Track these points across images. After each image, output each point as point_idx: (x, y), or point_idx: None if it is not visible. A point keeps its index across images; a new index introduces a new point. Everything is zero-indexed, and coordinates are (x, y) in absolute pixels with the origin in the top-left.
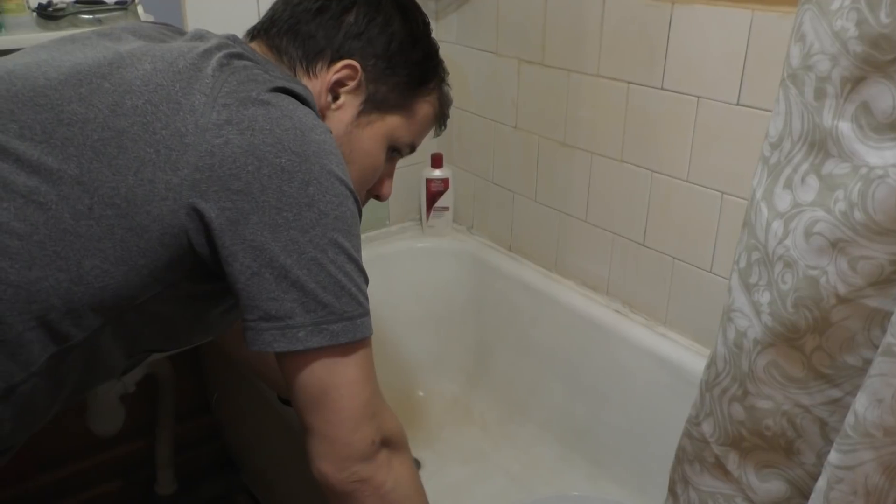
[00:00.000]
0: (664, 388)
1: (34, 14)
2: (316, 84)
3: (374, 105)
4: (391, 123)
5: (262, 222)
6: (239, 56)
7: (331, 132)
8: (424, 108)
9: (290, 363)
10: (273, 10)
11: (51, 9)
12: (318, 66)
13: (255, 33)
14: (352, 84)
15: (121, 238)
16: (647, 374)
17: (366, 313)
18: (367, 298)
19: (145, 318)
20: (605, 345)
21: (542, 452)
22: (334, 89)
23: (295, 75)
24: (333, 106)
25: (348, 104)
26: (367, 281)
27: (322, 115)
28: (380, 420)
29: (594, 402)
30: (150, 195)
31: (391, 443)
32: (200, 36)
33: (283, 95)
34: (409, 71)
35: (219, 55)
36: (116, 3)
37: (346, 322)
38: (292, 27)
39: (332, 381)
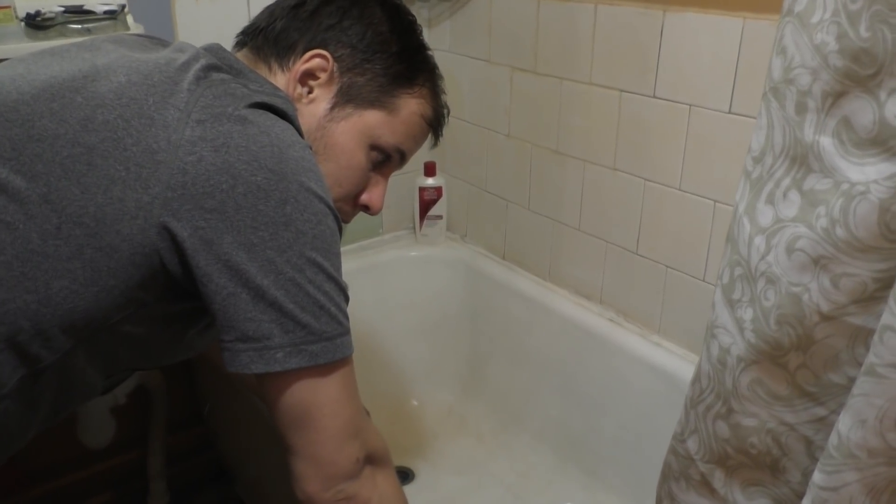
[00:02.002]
0: (659, 397)
1: (22, 24)
2: (289, 77)
3: (348, 98)
4: (369, 119)
5: (236, 242)
6: (217, 68)
7: (310, 148)
8: (410, 107)
9: (270, 384)
10: (256, 16)
11: (39, 18)
12: (291, 60)
13: (241, 41)
14: (324, 76)
15: (90, 258)
16: (641, 383)
17: (346, 332)
18: (347, 317)
19: (119, 338)
20: (600, 354)
21: (537, 462)
22: (304, 80)
23: (270, 72)
24: (305, 99)
25: (321, 97)
26: (347, 299)
27: (294, 107)
28: (363, 437)
29: (589, 411)
30: (120, 214)
31: (375, 459)
32: (181, 48)
33: (261, 111)
34: (388, 63)
35: (196, 68)
36: (105, 13)
37: (325, 342)
38: (269, 24)
39: (314, 400)
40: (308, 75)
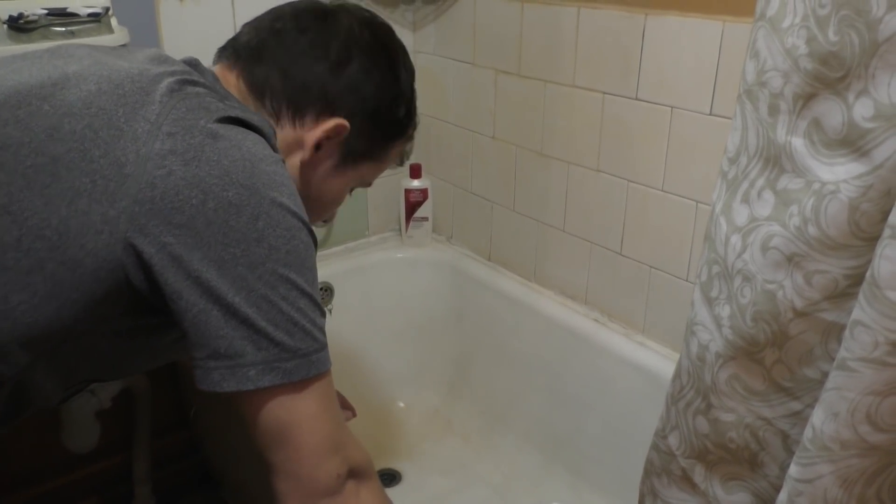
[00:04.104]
0: (643, 396)
1: (5, 27)
2: (299, 133)
3: (351, 157)
4: (363, 171)
5: (207, 258)
6: (193, 83)
7: (283, 161)
8: (395, 152)
9: (244, 403)
10: (248, 34)
11: (22, 21)
12: (308, 117)
13: (224, 56)
14: (337, 139)
15: (51, 272)
16: (626, 382)
17: (321, 348)
18: (323, 332)
19: (80, 352)
20: (585, 354)
21: (523, 463)
22: (320, 142)
23: (277, 120)
24: (312, 154)
25: (327, 153)
26: (323, 314)
27: (301, 165)
28: (344, 452)
29: (574, 411)
30: (85, 228)
31: (358, 473)
32: (157, 58)
33: (233, 125)
34: (391, 129)
35: (170, 80)
36: (89, 16)
37: (300, 359)
38: (280, 65)
39: (290, 418)
40: (324, 137)
